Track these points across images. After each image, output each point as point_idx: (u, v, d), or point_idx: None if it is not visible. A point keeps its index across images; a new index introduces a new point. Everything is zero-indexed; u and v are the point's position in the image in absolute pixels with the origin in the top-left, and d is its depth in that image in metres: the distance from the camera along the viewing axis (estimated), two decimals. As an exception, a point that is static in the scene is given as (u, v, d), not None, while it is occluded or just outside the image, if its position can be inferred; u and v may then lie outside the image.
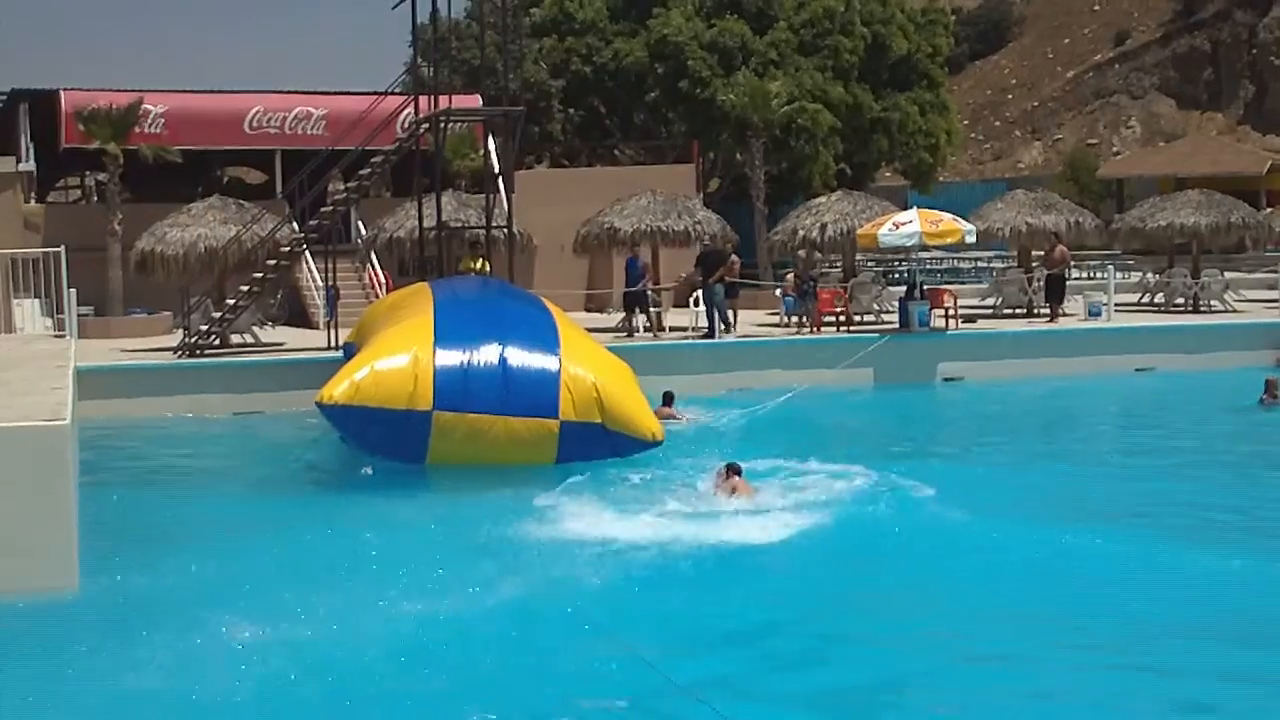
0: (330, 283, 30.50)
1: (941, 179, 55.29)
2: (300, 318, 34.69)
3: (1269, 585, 13.79)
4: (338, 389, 19.31)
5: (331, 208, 29.61)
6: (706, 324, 29.83)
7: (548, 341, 20.42)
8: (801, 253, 32.85)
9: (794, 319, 31.55)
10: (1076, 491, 18.57)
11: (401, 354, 19.62)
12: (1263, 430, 23.49)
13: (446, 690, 11.31)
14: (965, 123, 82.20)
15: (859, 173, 49.54)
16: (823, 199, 35.63)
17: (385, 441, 19.58)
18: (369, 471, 19.82)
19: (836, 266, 37.13)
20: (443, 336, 19.94)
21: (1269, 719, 10.67)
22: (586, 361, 20.42)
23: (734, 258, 31.47)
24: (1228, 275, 37.56)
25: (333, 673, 11.45)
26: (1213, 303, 35.42)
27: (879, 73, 48.71)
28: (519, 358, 19.82)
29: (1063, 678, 11.39)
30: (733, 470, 17.59)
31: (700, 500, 17.30)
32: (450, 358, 19.53)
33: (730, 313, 30.14)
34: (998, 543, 15.43)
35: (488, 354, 19.73)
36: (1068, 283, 34.52)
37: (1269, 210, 43.97)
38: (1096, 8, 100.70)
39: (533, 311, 22.47)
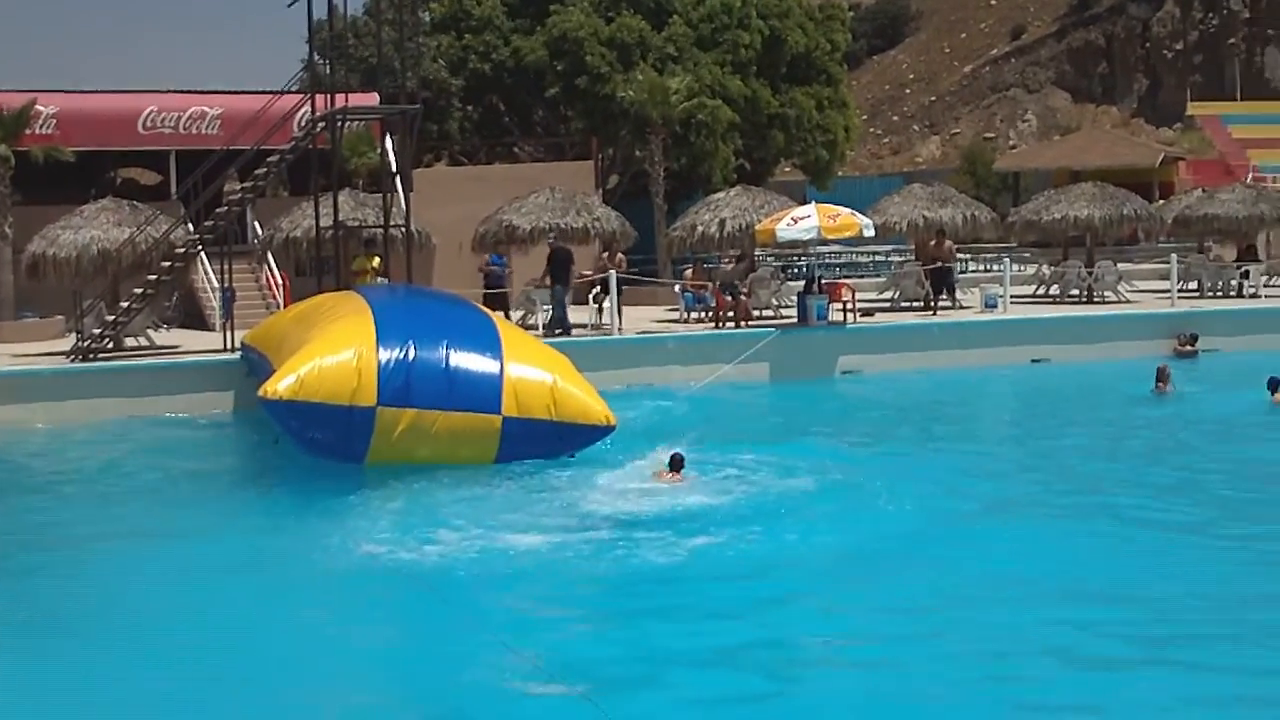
0: (226, 284, 30.21)
1: (840, 174, 55.63)
2: (196, 320, 34.37)
3: (1137, 560, 14.50)
4: (281, 384, 18.96)
5: (227, 208, 29.36)
6: (553, 322, 29.65)
7: (488, 338, 20.36)
8: (729, 259, 32.91)
9: (693, 315, 31.65)
10: (963, 476, 18.95)
11: (345, 350, 19.37)
12: (1153, 418, 23.85)
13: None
14: (864, 118, 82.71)
15: (758, 168, 49.75)
16: (721, 194, 35.76)
17: (327, 439, 19.26)
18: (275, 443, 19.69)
19: (729, 262, 37.15)
20: (384, 333, 19.74)
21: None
22: (529, 357, 20.39)
23: (620, 255, 31.59)
24: (1121, 266, 38.08)
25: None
26: (1106, 294, 35.90)
27: (777, 68, 48.92)
28: (461, 353, 19.71)
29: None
30: (676, 462, 17.90)
31: (642, 491, 17.51)
32: (393, 353, 19.34)
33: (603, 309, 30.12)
34: (897, 529, 15.83)
35: (430, 350, 19.57)
36: (957, 276, 34.92)
37: (1161, 202, 44.60)
38: (993, 2, 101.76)
39: (468, 310, 22.52)
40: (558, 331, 29.04)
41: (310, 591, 14.33)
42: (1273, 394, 23.95)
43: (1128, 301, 35.51)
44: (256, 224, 36.95)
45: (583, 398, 20.09)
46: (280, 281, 34.86)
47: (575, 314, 31.40)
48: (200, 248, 29.78)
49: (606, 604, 13.86)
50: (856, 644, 12.29)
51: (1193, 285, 37.68)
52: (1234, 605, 12.93)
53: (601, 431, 19.98)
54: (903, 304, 34.79)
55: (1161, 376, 25.22)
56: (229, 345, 27.66)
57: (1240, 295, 36.81)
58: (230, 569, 15.15)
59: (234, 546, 16.27)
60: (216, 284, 32.59)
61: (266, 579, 14.89)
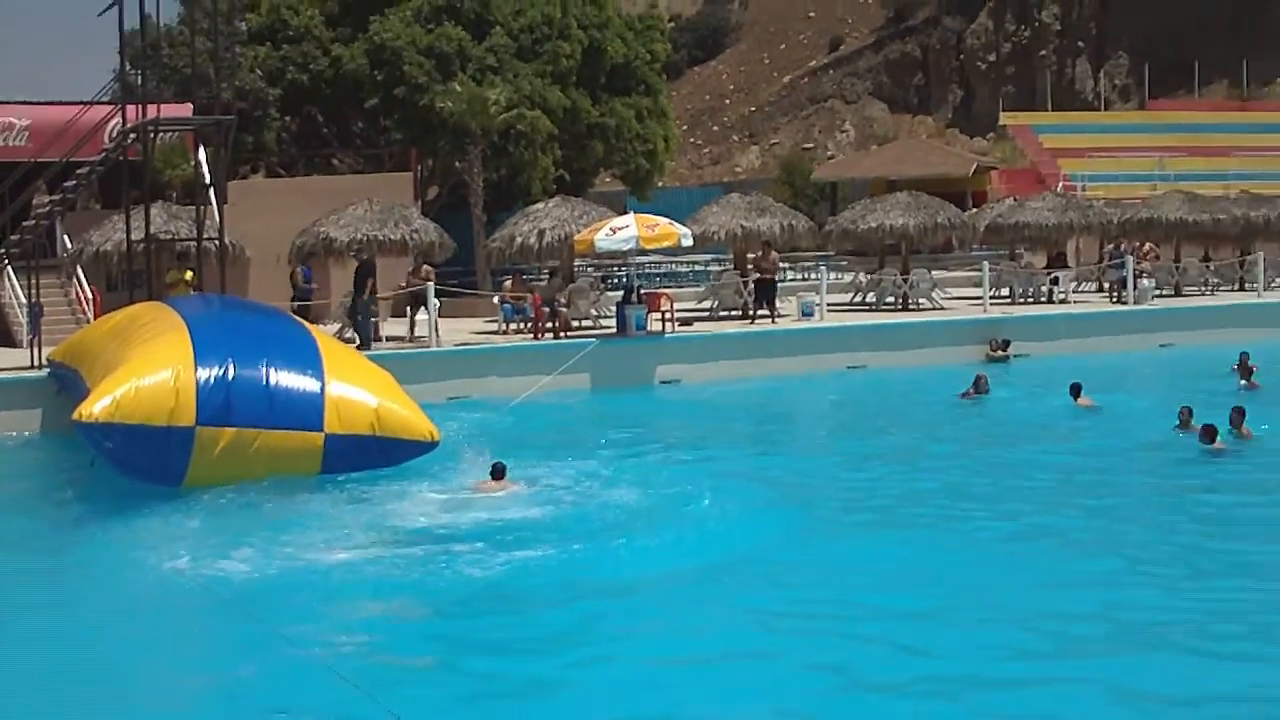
0: (34, 299, 29.42)
1: (660, 184, 55.90)
2: (2, 335, 33.46)
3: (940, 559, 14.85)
4: (97, 406, 18.42)
5: (35, 221, 28.64)
6: (358, 337, 29.40)
7: (309, 355, 20.06)
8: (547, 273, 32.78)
9: (512, 326, 31.63)
10: (781, 483, 19.19)
11: (162, 369, 18.88)
12: (965, 423, 24.33)
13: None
14: (684, 128, 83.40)
15: (578, 178, 49.80)
16: (540, 205, 35.71)
17: (145, 461, 18.74)
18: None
19: (544, 277, 36.99)
20: (202, 351, 19.32)
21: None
22: (350, 373, 20.16)
23: (426, 266, 31.43)
24: (936, 274, 38.80)
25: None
26: (921, 301, 36.57)
27: (597, 78, 49.05)
28: (281, 371, 19.38)
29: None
30: (497, 471, 17.96)
31: (461, 503, 17.43)
32: (211, 372, 18.92)
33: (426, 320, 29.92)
34: (722, 538, 15.91)
35: (249, 368, 19.20)
36: (779, 285, 35.30)
37: (974, 210, 45.51)
38: (812, 14, 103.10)
39: (289, 325, 22.18)
40: (358, 345, 28.67)
41: (114, 610, 13.99)
42: (1075, 398, 24.58)
43: (942, 308, 36.22)
44: (66, 237, 36.02)
45: (406, 413, 19.94)
46: (90, 296, 34.03)
47: (394, 327, 31.17)
48: (7, 262, 29.01)
49: (420, 620, 13.70)
50: (680, 663, 12.18)
51: (1005, 292, 38.58)
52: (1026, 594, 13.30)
53: (426, 447, 19.84)
54: (721, 313, 35.06)
55: (979, 386, 25.75)
56: (36, 362, 26.94)
57: (1050, 301, 37.73)
58: (30, 587, 14.79)
59: (35, 565, 15.88)
60: (24, 299, 31.72)
61: (67, 597, 14.56)
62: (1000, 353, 31.59)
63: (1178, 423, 21.35)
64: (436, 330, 29.59)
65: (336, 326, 30.93)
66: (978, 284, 36.48)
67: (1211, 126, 68.42)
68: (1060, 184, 57.22)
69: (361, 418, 19.41)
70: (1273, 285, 42.08)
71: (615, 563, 15.00)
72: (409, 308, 31.77)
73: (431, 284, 30.00)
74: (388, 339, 30.59)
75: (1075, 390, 24.71)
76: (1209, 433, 19.92)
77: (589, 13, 48.96)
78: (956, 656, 11.79)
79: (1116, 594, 13.49)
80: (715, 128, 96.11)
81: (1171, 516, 17.12)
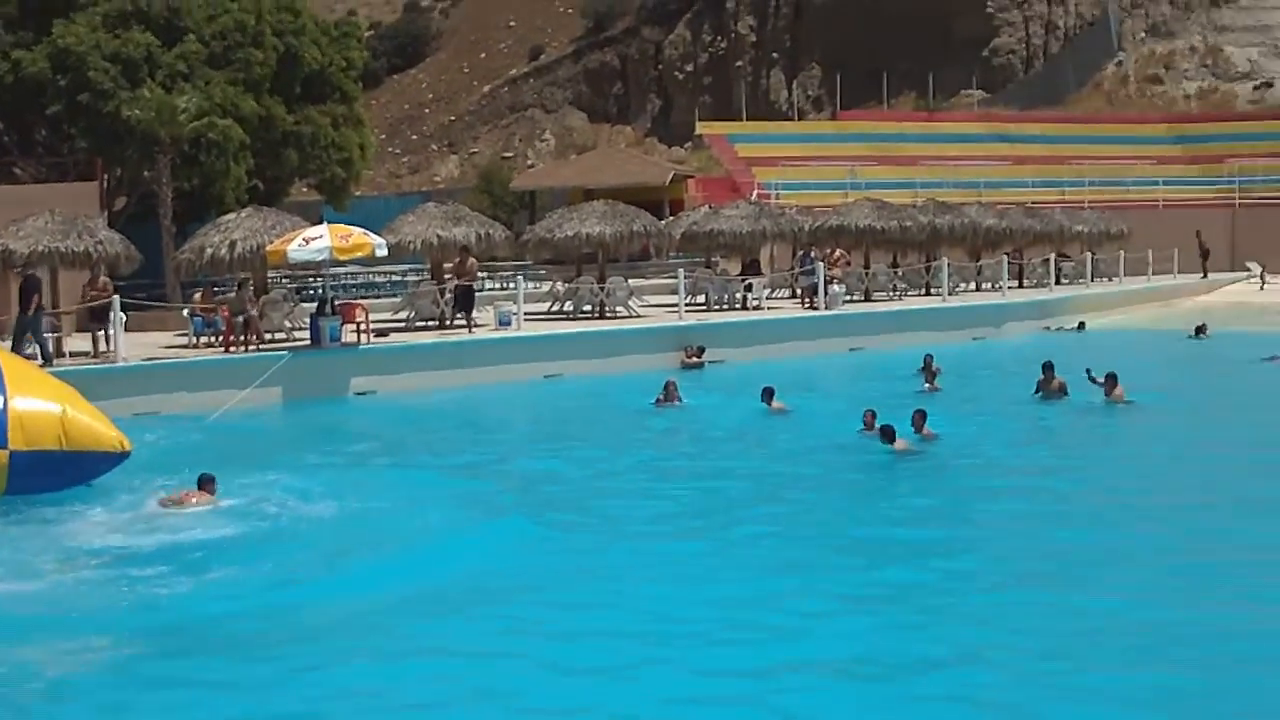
0: None
1: (358, 193, 55.26)
2: None
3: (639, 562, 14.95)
4: None
5: None
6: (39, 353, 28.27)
7: None
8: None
9: (202, 339, 30.83)
10: (478, 494, 18.98)
11: None
12: (660, 428, 24.58)
13: None
14: (383, 137, 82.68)
15: (272, 188, 48.84)
16: (232, 216, 34.80)
17: None
18: None
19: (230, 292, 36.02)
20: None
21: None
22: (33, 388, 19.18)
23: (104, 279, 30.42)
24: (633, 282, 39.18)
25: None
26: (618, 309, 36.86)
27: (292, 86, 48.22)
28: None
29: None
30: (204, 481, 17.53)
31: (149, 522, 16.83)
32: None
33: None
34: (424, 550, 15.82)
35: None
36: (478, 294, 35.16)
37: (671, 218, 46.08)
38: (512, 23, 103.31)
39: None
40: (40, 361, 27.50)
41: None
42: (768, 403, 25.03)
43: (639, 316, 36.55)
44: None
45: (94, 425, 19.16)
46: None
47: (79, 342, 30.07)
48: None
49: (97, 654, 13.09)
50: (391, 689, 11.86)
51: (701, 299, 39.12)
52: (719, 603, 13.43)
53: (117, 458, 19.11)
54: (418, 323, 34.72)
55: (669, 393, 25.97)
56: None
57: (745, 308, 38.41)
58: None
59: None
60: None
61: None
62: (695, 359, 32.01)
63: (862, 425, 21.88)
64: (120, 345, 28.54)
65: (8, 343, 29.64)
66: (674, 291, 36.92)
67: (900, 136, 70.78)
68: (754, 192, 58.41)
69: (48, 432, 18.57)
70: (957, 290, 43.68)
71: (313, 580, 14.67)
72: (92, 322, 30.57)
73: (116, 297, 28.96)
74: (70, 355, 29.44)
75: (767, 395, 25.15)
76: (887, 434, 20.47)
77: (284, 19, 48.09)
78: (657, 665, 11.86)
79: (801, 601, 13.67)
80: (415, 137, 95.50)
81: (853, 515, 17.60)
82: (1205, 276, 56.36)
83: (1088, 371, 25.44)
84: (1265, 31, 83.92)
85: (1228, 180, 65.22)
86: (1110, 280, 52.54)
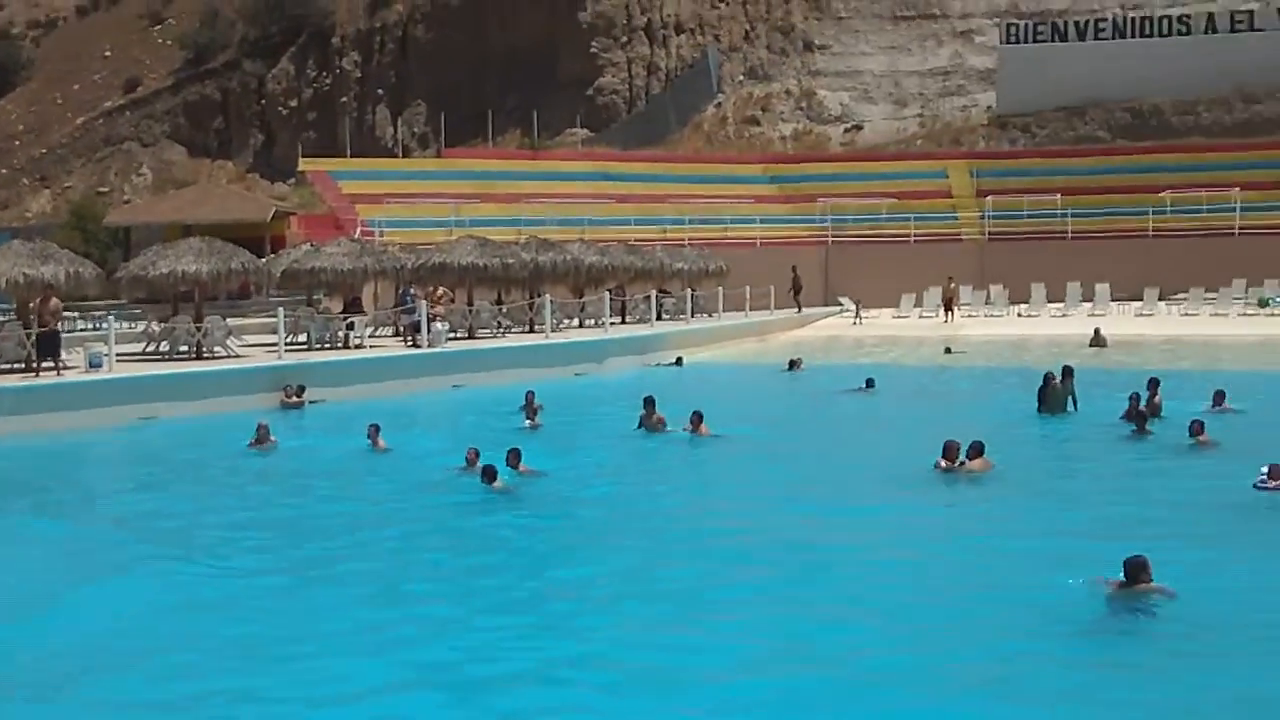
0: None
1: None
2: None
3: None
4: None
5: None
6: None
7: None
8: None
9: None
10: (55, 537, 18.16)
11: None
12: (257, 470, 23.87)
13: None
14: (-31, 170, 78.74)
15: None
16: None
17: None
18: None
19: None
20: None
21: None
22: None
23: None
24: (232, 321, 38.11)
25: None
26: (216, 349, 35.79)
27: None
28: None
29: None
30: None
31: None
32: None
33: None
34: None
35: None
36: (67, 334, 33.61)
37: (272, 256, 45.11)
38: (108, 53, 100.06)
39: None
40: None
41: None
42: (373, 440, 24.67)
43: (238, 356, 35.57)
44: None
45: None
46: None
47: None
48: None
49: None
50: None
51: (302, 338, 38.38)
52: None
53: None
54: (3, 366, 32.94)
55: (260, 435, 25.24)
56: None
57: (347, 346, 37.86)
58: None
59: None
60: None
61: None
62: (295, 399, 31.34)
63: (464, 463, 21.72)
64: None
65: None
66: (275, 330, 36.07)
67: (505, 174, 71.21)
68: (358, 230, 57.81)
69: None
70: (560, 326, 44.08)
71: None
72: None
73: None
74: None
75: (373, 431, 24.81)
76: (488, 473, 20.36)
77: None
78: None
79: (395, 632, 13.56)
80: (4, 170, 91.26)
81: (448, 553, 17.43)
82: (799, 311, 58.45)
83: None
84: (856, 77, 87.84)
85: (820, 219, 67.84)
86: (710, 316, 53.92)
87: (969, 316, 57.77)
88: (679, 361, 42.33)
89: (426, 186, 67.91)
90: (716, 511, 20.07)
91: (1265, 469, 19.79)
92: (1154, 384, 27.36)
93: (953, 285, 58.30)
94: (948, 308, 57.49)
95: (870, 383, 33.70)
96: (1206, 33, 76.63)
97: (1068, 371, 28.94)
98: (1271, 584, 14.95)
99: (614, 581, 16.00)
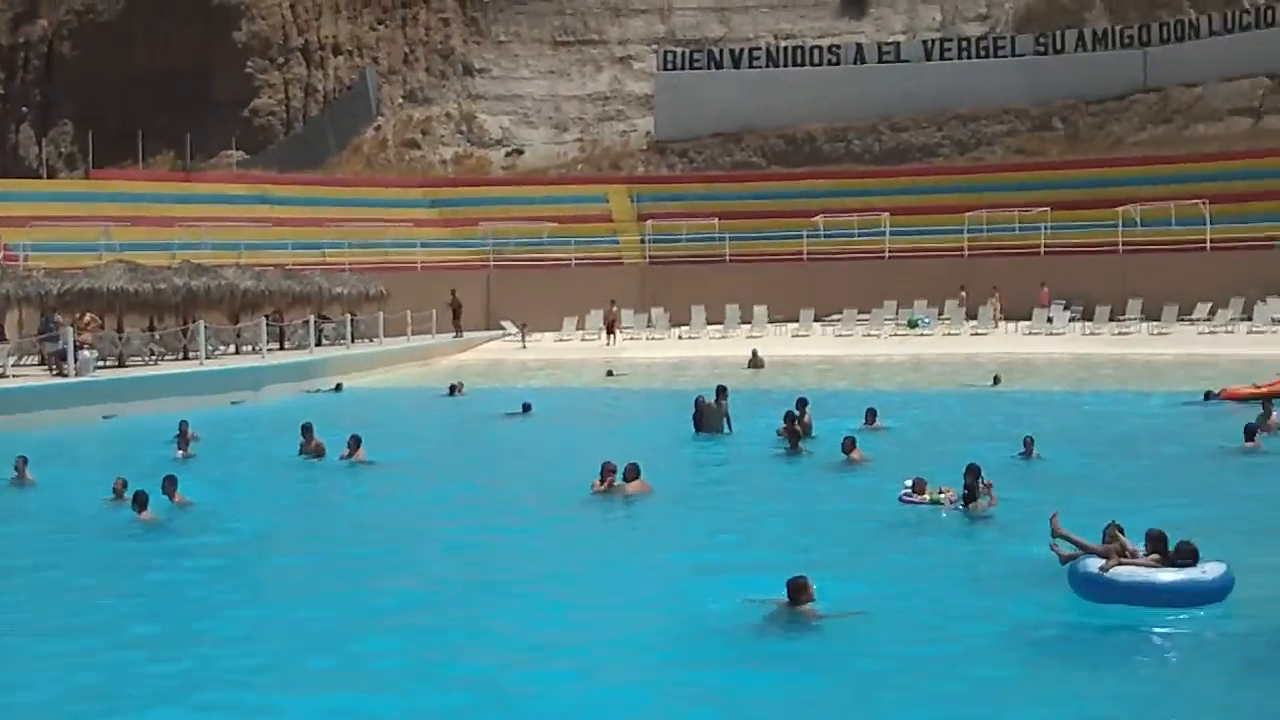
0: None
1: None
2: None
3: None
4: None
5: None
6: None
7: None
8: None
9: None
10: None
11: None
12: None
13: None
14: None
15: None
16: None
17: None
18: None
19: None
20: None
21: None
22: None
23: None
24: None
25: None
26: None
27: None
28: None
29: None
30: None
31: None
32: None
33: None
34: None
35: None
36: None
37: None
38: None
39: None
40: None
41: None
42: (20, 473, 23.48)
43: None
44: None
45: None
46: None
47: None
48: None
49: None
50: None
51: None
52: None
53: None
54: None
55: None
56: None
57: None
58: None
59: None
60: None
61: None
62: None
63: (112, 494, 20.90)
64: None
65: None
66: None
67: (156, 197, 69.10)
68: (0, 253, 55.23)
69: None
70: (215, 353, 42.86)
71: None
72: None
73: None
74: None
75: (20, 464, 23.57)
76: (139, 500, 19.64)
77: None
78: None
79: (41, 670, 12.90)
80: None
81: (93, 584, 16.75)
82: (459, 335, 58.16)
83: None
84: (516, 101, 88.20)
85: (481, 243, 67.71)
86: (371, 341, 53.25)
87: (631, 339, 58.43)
88: (338, 388, 41.63)
89: (74, 209, 65.27)
90: (372, 537, 19.66)
91: (909, 482, 20.55)
92: (801, 403, 27.87)
93: (615, 308, 58.99)
94: (610, 330, 58.07)
95: (527, 407, 33.73)
96: (855, 63, 79.43)
97: (722, 391, 29.41)
98: (910, 591, 15.36)
99: (263, 610, 15.56)
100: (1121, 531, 14.62)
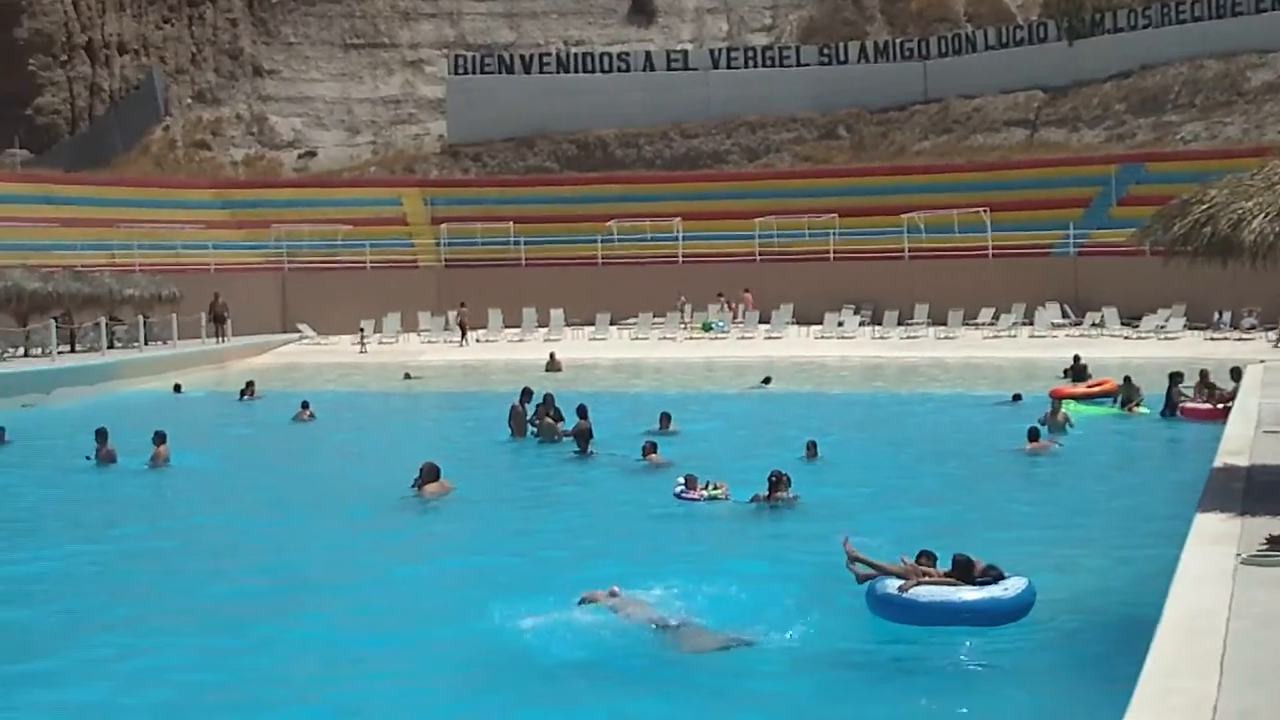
0: None
1: None
2: None
3: None
4: None
5: None
6: None
7: None
8: None
9: None
10: None
11: None
12: None
13: None
14: None
15: None
16: None
17: None
18: None
19: None
20: None
21: None
22: None
23: None
24: None
25: None
26: None
27: None
28: None
29: None
30: None
31: None
32: None
33: None
34: None
35: None
36: None
37: None
38: None
39: None
40: None
41: None
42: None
43: None
44: None
45: None
46: None
47: None
48: None
49: None
50: None
51: None
52: None
53: None
54: None
55: None
56: None
57: None
58: None
59: None
60: None
61: None
62: None
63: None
64: None
65: None
66: None
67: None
68: None
69: None
70: (5, 356, 41.98)
71: None
72: None
73: None
74: None
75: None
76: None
77: None
78: None
79: None
80: None
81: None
82: (221, 340, 56.35)
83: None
84: (307, 103, 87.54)
85: (275, 245, 67.05)
86: (165, 343, 52.48)
87: (429, 343, 58.42)
88: (177, 389, 41.57)
89: None
90: (174, 541, 19.67)
91: (682, 479, 21.28)
92: (581, 409, 27.99)
93: (464, 309, 59.11)
94: (464, 331, 58.24)
95: (306, 405, 33.76)
96: (645, 70, 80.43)
97: (526, 394, 29.77)
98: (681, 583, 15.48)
99: (69, 619, 15.54)
100: (931, 558, 14.58)
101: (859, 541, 15.23)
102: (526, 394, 29.79)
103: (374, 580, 16.86)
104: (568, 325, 60.15)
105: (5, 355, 43.20)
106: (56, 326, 45.08)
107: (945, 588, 14.06)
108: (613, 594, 14.27)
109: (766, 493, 20.21)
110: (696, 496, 20.79)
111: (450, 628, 14.47)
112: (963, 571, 14.23)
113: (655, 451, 24.73)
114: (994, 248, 60.82)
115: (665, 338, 57.65)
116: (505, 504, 22.58)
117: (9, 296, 44.16)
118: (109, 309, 50.90)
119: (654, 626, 13.78)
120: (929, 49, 79.44)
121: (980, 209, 62.11)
